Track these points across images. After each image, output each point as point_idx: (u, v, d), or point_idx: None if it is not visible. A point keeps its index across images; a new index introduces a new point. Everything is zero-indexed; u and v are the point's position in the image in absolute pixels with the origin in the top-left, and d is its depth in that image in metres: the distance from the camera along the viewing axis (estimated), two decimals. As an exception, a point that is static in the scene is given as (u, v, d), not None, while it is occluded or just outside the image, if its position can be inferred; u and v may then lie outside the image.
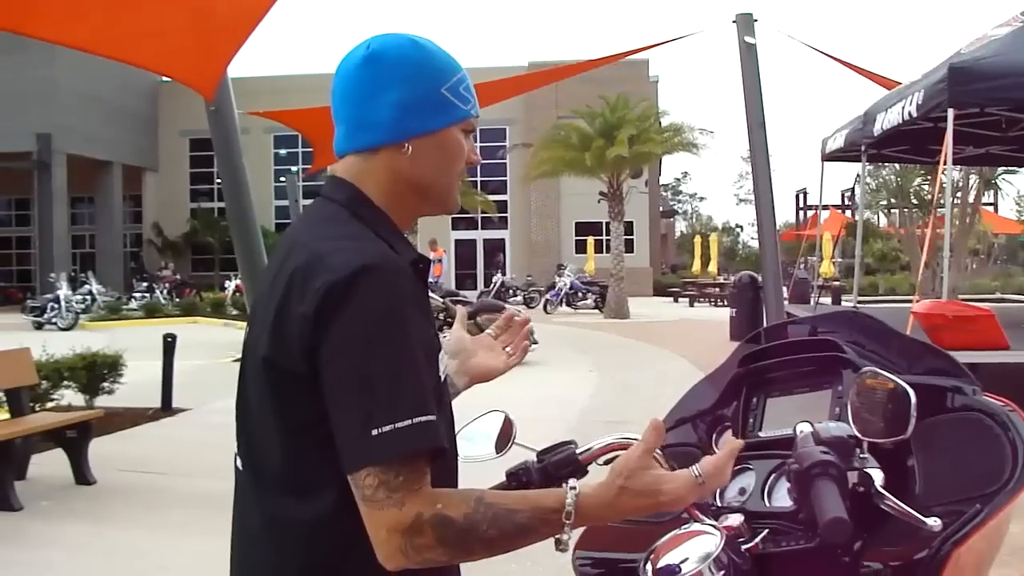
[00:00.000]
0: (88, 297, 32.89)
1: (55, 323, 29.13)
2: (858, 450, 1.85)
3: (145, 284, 40.87)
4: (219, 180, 6.08)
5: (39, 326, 28.82)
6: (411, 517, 1.60)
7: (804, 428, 1.89)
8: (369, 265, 1.68)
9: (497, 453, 2.12)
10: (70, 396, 10.97)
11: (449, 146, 1.91)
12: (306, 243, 1.79)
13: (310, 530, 1.72)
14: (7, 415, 9.05)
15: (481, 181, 47.11)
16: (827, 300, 28.12)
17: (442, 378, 1.82)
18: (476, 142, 2.02)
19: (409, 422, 1.61)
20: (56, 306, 29.83)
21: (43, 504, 8.03)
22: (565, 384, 15.37)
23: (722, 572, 1.79)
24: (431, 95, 1.87)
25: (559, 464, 2.01)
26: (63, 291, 30.26)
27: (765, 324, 6.87)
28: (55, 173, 42.01)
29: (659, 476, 1.68)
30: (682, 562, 1.79)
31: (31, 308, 30.99)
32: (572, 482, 1.68)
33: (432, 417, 1.63)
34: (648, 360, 19.00)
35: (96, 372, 11.22)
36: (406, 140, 1.87)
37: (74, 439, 8.74)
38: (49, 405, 10.32)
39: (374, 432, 1.59)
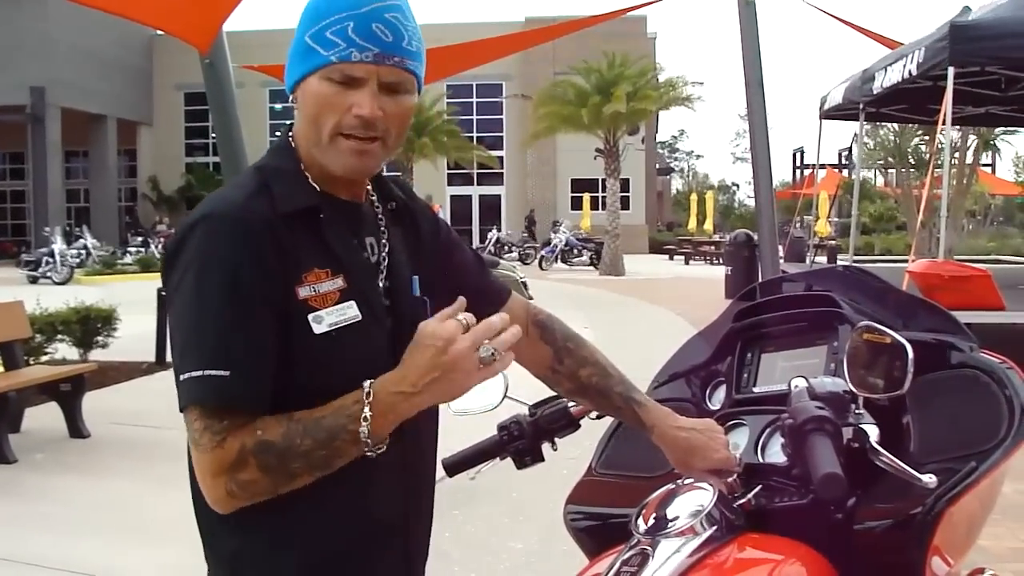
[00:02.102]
0: (83, 251, 32.81)
1: (50, 277, 29.10)
2: (853, 406, 1.84)
3: (140, 238, 40.75)
4: (214, 135, 6.04)
5: (34, 280, 28.78)
6: (234, 452, 1.62)
7: (799, 383, 1.86)
8: (208, 214, 1.70)
9: (488, 406, 2.10)
10: (64, 350, 10.96)
11: (307, 97, 1.77)
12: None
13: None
14: (1, 368, 9.04)
15: (477, 137, 46.93)
16: (823, 259, 28.11)
17: (331, 327, 1.74)
18: (397, 93, 1.78)
19: (204, 373, 1.62)
20: (51, 260, 29.79)
21: (37, 457, 8.04)
22: (560, 341, 15.33)
23: (714, 527, 1.77)
24: (298, 44, 1.78)
25: (551, 418, 2.00)
26: (58, 245, 30.21)
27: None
28: (49, 127, 41.85)
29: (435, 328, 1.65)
30: (674, 517, 1.79)
31: (26, 262, 31.01)
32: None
33: (222, 372, 1.62)
34: (643, 316, 19.04)
35: (90, 326, 11.21)
36: (290, 91, 1.85)
37: (68, 392, 8.74)
38: (43, 358, 10.32)
39: (182, 377, 1.64)
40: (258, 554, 1.79)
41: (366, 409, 1.63)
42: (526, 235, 43.18)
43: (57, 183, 42.91)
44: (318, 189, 1.81)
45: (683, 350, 2.49)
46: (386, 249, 1.90)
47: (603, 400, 2.04)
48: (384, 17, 1.73)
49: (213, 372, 1.62)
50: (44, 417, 8.97)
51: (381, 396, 1.64)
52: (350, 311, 1.76)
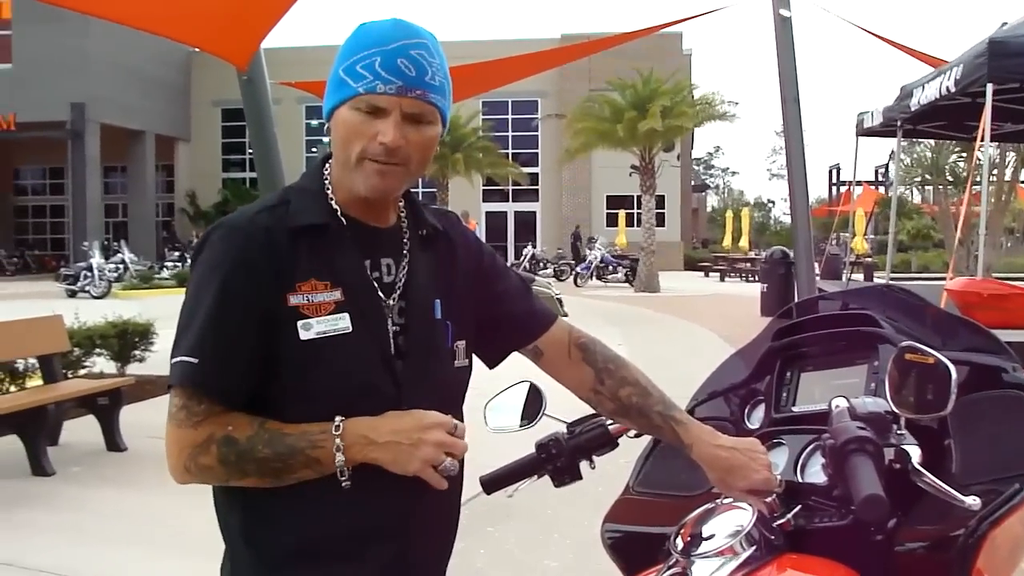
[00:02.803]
0: (120, 266, 33.02)
1: (88, 291, 29.32)
2: (895, 426, 1.81)
3: (177, 253, 41.04)
4: (251, 150, 6.08)
5: (72, 294, 28.99)
6: (203, 437, 1.81)
7: (840, 403, 1.85)
8: (220, 223, 1.92)
9: (527, 424, 2.10)
10: (102, 364, 11.03)
11: (338, 124, 1.91)
12: None
13: None
14: (40, 381, 9.10)
15: (512, 153, 46.97)
16: (859, 276, 27.97)
17: (318, 335, 1.86)
18: (427, 123, 1.91)
19: (181, 359, 1.82)
20: (89, 274, 30.02)
21: (74, 470, 8.09)
22: (594, 358, 15.28)
23: (753, 548, 1.76)
24: (334, 76, 1.92)
25: (590, 436, 2.00)
26: (96, 259, 30.44)
27: (796, 300, 6.82)
28: (89, 142, 42.22)
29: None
30: (713, 537, 1.77)
31: (64, 276, 31.24)
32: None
33: (193, 359, 1.81)
34: (678, 334, 18.96)
35: (128, 340, 11.26)
36: (326, 119, 1.97)
37: (105, 406, 8.80)
38: (81, 372, 10.39)
39: (172, 360, 1.84)
40: (258, 532, 1.92)
41: (337, 439, 1.79)
42: (560, 251, 43.12)
43: (96, 198, 43.27)
44: (337, 210, 1.95)
45: (722, 369, 2.47)
46: (404, 271, 1.99)
47: (643, 419, 2.05)
48: (409, 53, 1.87)
49: (188, 359, 1.81)
50: (82, 430, 9.03)
51: (349, 431, 1.80)
52: (341, 322, 1.88)
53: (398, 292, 1.97)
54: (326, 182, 1.98)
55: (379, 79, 1.85)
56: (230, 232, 1.87)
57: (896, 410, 1.81)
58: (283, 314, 1.85)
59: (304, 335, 1.85)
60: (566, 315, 18.45)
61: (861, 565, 1.80)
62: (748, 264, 39.80)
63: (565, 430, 2.02)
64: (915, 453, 1.77)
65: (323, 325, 1.86)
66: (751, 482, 1.95)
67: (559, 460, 1.99)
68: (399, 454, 1.79)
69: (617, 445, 2.01)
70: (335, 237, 1.92)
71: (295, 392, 1.85)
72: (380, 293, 1.95)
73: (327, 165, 2.01)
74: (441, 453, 1.78)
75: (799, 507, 1.92)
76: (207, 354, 1.82)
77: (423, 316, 1.98)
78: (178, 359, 1.83)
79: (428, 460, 1.78)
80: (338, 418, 1.80)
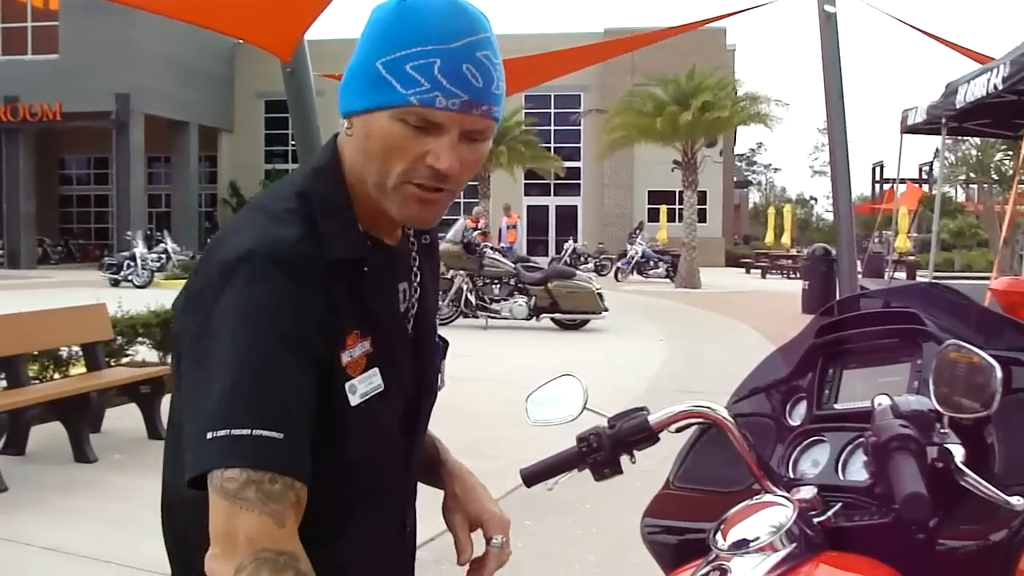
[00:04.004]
0: (163, 255, 33.32)
1: (131, 280, 29.65)
2: (938, 425, 1.80)
3: (219, 244, 41.28)
4: (294, 142, 6.11)
5: (115, 283, 29.32)
6: (288, 545, 1.40)
7: (883, 401, 1.84)
8: (252, 252, 1.47)
9: (567, 418, 2.10)
10: (144, 352, 11.12)
11: (373, 135, 1.54)
12: (238, 214, 1.62)
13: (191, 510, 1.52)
14: (83, 369, 9.21)
15: (555, 147, 46.90)
16: (902, 275, 27.75)
17: (362, 399, 1.58)
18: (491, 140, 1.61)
19: (255, 432, 1.38)
20: (132, 264, 30.38)
21: (116, 457, 8.17)
22: (635, 352, 15.32)
23: (794, 544, 1.75)
24: (365, 67, 1.54)
25: (631, 430, 1.98)
26: (139, 249, 30.81)
27: (838, 297, 6.78)
28: (133, 132, 42.54)
29: None
30: (753, 533, 1.77)
31: (108, 265, 31.62)
32: None
33: (276, 434, 1.39)
34: (719, 331, 18.90)
35: (170, 329, 11.33)
36: (345, 115, 1.62)
37: (147, 394, 8.88)
38: (124, 361, 10.48)
39: (214, 434, 1.39)
40: None
41: None
42: (602, 245, 43.05)
43: (140, 188, 43.61)
44: (362, 231, 1.63)
45: (763, 365, 2.46)
46: (416, 294, 1.75)
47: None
48: (476, 56, 1.52)
49: (266, 432, 1.38)
50: (124, 418, 9.13)
51: None
52: (375, 379, 1.60)
53: (411, 322, 1.74)
54: (348, 189, 1.63)
55: (439, 90, 1.49)
56: (277, 267, 1.47)
57: (940, 408, 1.80)
58: (336, 377, 1.54)
59: (353, 400, 1.56)
60: (607, 309, 18.45)
61: (901, 564, 1.79)
62: (790, 261, 39.65)
63: (606, 424, 2.02)
64: (958, 452, 1.76)
65: (364, 386, 1.58)
66: (484, 508, 1.92)
67: (599, 453, 1.99)
68: None
69: (658, 439, 2.00)
70: (370, 274, 1.60)
71: (332, 465, 1.54)
72: (409, 333, 1.72)
73: (338, 155, 1.65)
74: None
75: (840, 505, 1.91)
76: (292, 426, 1.41)
77: (430, 342, 1.80)
78: (246, 432, 1.37)
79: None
80: None
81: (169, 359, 11.23)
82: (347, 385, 1.55)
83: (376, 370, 1.59)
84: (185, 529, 1.62)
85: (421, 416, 1.79)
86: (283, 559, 1.37)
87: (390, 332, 1.64)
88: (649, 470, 2.57)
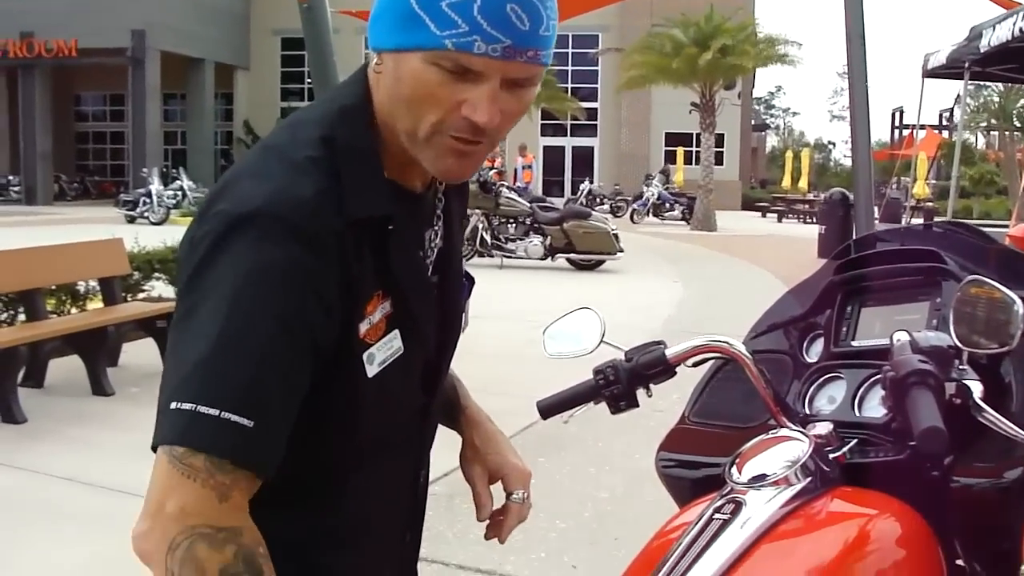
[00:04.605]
0: (179, 192, 33.30)
1: (147, 217, 29.70)
2: (957, 361, 1.80)
3: (235, 182, 41.29)
4: (310, 80, 6.08)
5: (131, 219, 29.37)
6: (230, 523, 1.25)
7: (901, 337, 1.83)
8: (260, 212, 1.31)
9: (584, 351, 2.09)
10: (160, 288, 11.15)
11: (404, 78, 1.37)
12: (250, 153, 1.47)
13: None
14: (100, 304, 9.26)
15: (571, 88, 46.61)
16: (919, 221, 27.62)
17: (380, 367, 1.46)
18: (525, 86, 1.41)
19: (217, 413, 1.24)
20: (148, 200, 30.41)
21: (133, 390, 8.23)
22: (650, 293, 15.33)
23: (808, 479, 1.75)
24: (399, 4, 1.36)
25: (648, 364, 1.98)
26: (155, 186, 30.83)
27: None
28: (149, 69, 42.43)
29: None
30: (768, 467, 1.77)
31: (124, 202, 31.68)
32: None
33: (245, 421, 1.24)
34: (734, 273, 18.88)
35: (185, 265, 11.36)
36: (375, 50, 1.44)
37: (164, 329, 8.89)
38: (140, 296, 10.51)
39: (182, 406, 1.25)
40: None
41: None
42: (618, 187, 42.87)
43: (155, 125, 43.56)
44: (388, 179, 1.48)
45: (781, 302, 2.46)
46: (439, 237, 1.61)
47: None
48: None
49: (235, 417, 1.24)
50: (141, 352, 9.17)
51: None
52: (395, 343, 1.48)
53: (430, 265, 1.60)
54: (376, 133, 1.47)
55: (478, 33, 1.31)
56: (287, 232, 1.31)
57: (959, 345, 1.79)
58: (352, 348, 1.42)
59: (371, 371, 1.44)
60: (622, 250, 18.43)
61: (916, 500, 1.79)
62: (806, 205, 39.51)
63: (623, 357, 2.01)
64: (977, 388, 1.75)
65: (383, 352, 1.46)
66: (506, 460, 1.89)
67: (616, 386, 1.98)
68: None
69: (675, 373, 2.00)
70: (395, 231, 1.46)
71: (337, 441, 1.48)
72: (432, 285, 1.60)
73: (368, 91, 1.48)
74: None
75: (855, 441, 1.91)
76: (263, 414, 1.27)
77: (455, 288, 1.68)
78: (214, 412, 1.23)
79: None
80: None
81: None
82: (365, 355, 1.43)
83: (396, 332, 1.47)
84: None
85: (443, 366, 1.70)
86: (222, 534, 1.23)
87: (413, 288, 1.51)
88: (663, 410, 2.59)
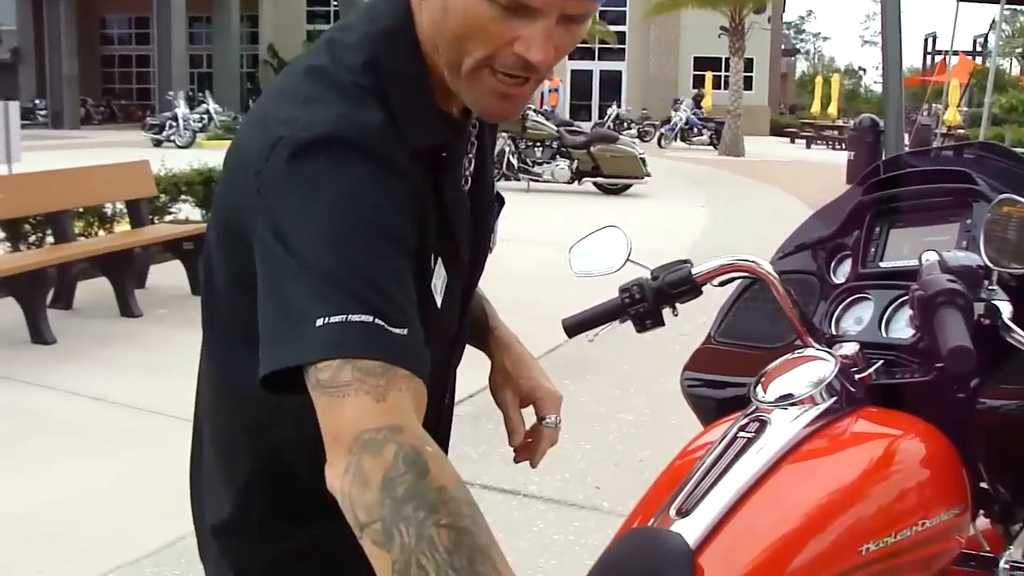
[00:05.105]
0: (205, 116, 33.26)
1: (173, 140, 29.70)
2: (986, 281, 1.78)
3: (261, 105, 41.24)
4: (336, 3, 6.00)
5: (157, 143, 29.36)
6: (388, 420, 1.12)
7: (930, 257, 1.81)
8: (333, 137, 1.24)
9: (610, 269, 2.08)
10: (187, 210, 11.19)
11: (452, 9, 1.26)
12: (291, 78, 1.39)
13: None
14: (128, 226, 9.31)
15: (599, 11, 46.08)
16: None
17: (440, 301, 1.44)
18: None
19: (370, 319, 1.16)
20: (174, 124, 30.40)
21: (160, 312, 8.31)
22: (676, 218, 15.32)
23: (834, 399, 1.75)
24: None
25: (674, 282, 1.97)
26: (181, 110, 30.80)
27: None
28: (174, -9, 42.23)
29: None
30: (794, 387, 1.77)
31: (150, 125, 31.70)
32: None
33: (401, 331, 1.18)
34: (761, 198, 18.80)
35: (212, 187, 11.37)
36: None
37: (190, 251, 8.97)
38: (167, 218, 10.55)
39: (324, 321, 1.15)
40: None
41: None
42: (645, 111, 42.56)
43: (181, 48, 43.37)
44: (440, 110, 1.40)
45: (809, 222, 2.43)
46: (473, 159, 1.55)
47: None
48: None
49: (387, 327, 1.16)
50: (168, 274, 9.27)
51: None
52: (442, 271, 1.43)
53: (466, 189, 1.53)
54: (424, 60, 1.37)
55: None
56: (367, 156, 1.24)
57: (989, 264, 1.77)
58: (427, 277, 1.38)
59: (438, 300, 1.42)
60: (649, 175, 18.35)
61: (941, 421, 1.79)
62: (835, 132, 39.16)
63: (649, 276, 2.00)
64: (1006, 309, 1.74)
65: (439, 280, 1.42)
66: (538, 384, 1.83)
67: (642, 304, 1.97)
68: None
69: (701, 292, 1.98)
70: (447, 160, 1.42)
71: None
72: (468, 210, 1.52)
73: (412, 15, 1.37)
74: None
75: (881, 362, 1.90)
76: (412, 322, 1.20)
77: (487, 212, 1.62)
78: (367, 319, 1.15)
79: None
80: None
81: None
82: (432, 285, 1.39)
83: (441, 261, 1.42)
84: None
85: (472, 291, 1.66)
86: (381, 434, 1.11)
87: (455, 215, 1.45)
88: (688, 333, 2.58)
